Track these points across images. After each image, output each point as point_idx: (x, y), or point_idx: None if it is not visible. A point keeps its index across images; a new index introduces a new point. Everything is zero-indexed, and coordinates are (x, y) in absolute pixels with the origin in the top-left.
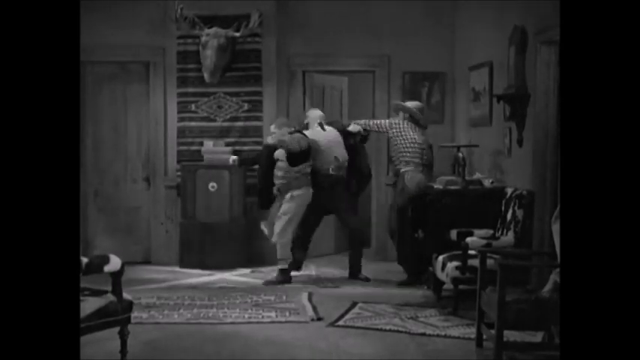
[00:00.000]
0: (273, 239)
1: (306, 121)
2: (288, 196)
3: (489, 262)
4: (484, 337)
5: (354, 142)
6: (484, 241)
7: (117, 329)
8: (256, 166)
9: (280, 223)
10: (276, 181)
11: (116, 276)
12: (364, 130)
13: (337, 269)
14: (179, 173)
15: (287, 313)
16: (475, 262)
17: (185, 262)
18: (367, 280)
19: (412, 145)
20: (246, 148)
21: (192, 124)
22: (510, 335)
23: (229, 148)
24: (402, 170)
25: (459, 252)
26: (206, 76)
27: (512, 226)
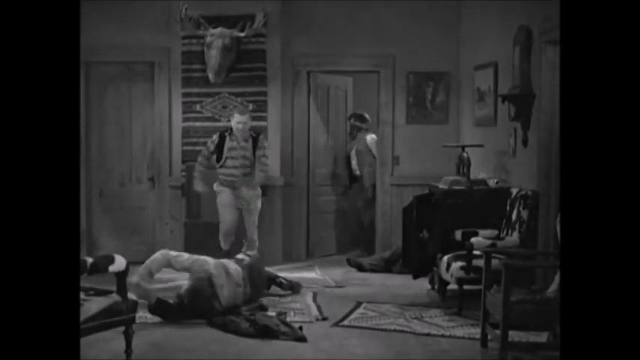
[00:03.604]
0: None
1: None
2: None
3: (494, 262)
4: (489, 337)
5: None
6: (489, 242)
7: (122, 329)
8: None
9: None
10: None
11: (121, 276)
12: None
13: (340, 269)
14: (184, 173)
15: (292, 313)
16: (480, 263)
17: None
18: None
19: None
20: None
21: (197, 124)
22: (515, 335)
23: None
24: None
25: (464, 252)
26: (211, 76)
27: (517, 227)
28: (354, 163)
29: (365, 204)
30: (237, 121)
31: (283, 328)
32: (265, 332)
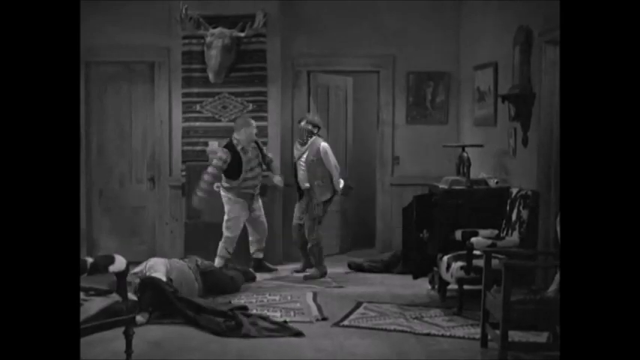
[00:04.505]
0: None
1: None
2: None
3: (494, 262)
4: (489, 337)
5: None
6: (489, 241)
7: (122, 329)
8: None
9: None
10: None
11: (121, 276)
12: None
13: (340, 269)
14: (184, 173)
15: (292, 313)
16: (480, 263)
17: None
18: None
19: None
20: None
21: (197, 124)
22: (515, 335)
23: None
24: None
25: (464, 252)
26: (211, 76)
27: (517, 227)
28: (301, 173)
29: (311, 223)
30: (253, 131)
31: (262, 323)
32: (235, 329)
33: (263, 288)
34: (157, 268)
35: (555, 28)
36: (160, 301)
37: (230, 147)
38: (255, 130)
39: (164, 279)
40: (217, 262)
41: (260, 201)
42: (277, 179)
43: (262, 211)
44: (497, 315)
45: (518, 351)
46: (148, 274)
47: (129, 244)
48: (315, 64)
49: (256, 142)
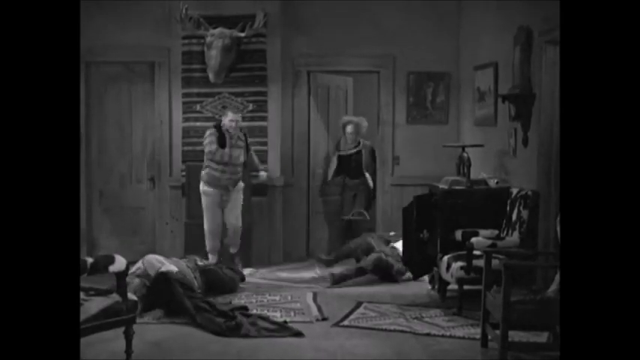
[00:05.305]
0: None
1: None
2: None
3: (494, 262)
4: (489, 337)
5: None
6: (489, 242)
7: (122, 329)
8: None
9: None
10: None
11: (121, 276)
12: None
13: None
14: (184, 173)
15: (292, 313)
16: (480, 263)
17: None
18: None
19: None
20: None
21: (197, 124)
22: (515, 335)
23: None
24: None
25: (464, 252)
26: (211, 76)
27: (517, 227)
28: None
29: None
30: (230, 119)
31: (262, 323)
32: (235, 329)
33: (263, 288)
34: (163, 262)
35: (555, 28)
36: (170, 299)
37: (217, 127)
38: (230, 123)
39: (175, 269)
40: (210, 257)
41: (239, 196)
42: (262, 174)
43: (239, 209)
44: (497, 315)
45: (518, 351)
46: (163, 269)
47: (129, 244)
48: (315, 64)
49: (245, 135)
